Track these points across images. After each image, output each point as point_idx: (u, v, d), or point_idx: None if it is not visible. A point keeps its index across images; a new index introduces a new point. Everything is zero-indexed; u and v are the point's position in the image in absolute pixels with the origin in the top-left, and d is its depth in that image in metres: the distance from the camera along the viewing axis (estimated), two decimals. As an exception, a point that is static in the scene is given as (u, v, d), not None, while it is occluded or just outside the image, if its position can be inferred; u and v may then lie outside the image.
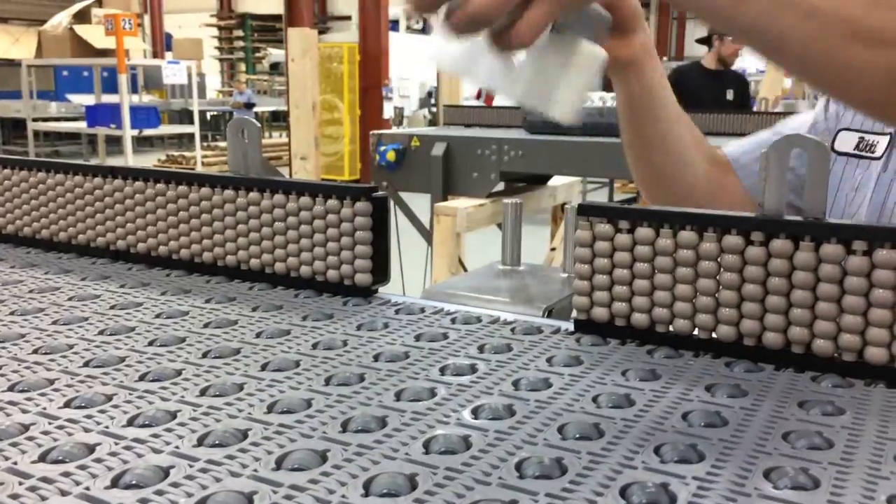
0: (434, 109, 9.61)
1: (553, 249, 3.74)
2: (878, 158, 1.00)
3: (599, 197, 8.58)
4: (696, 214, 0.67)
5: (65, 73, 15.12)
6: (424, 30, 14.86)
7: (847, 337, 0.62)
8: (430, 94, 12.49)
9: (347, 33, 13.62)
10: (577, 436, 0.52)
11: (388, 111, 11.62)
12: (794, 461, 0.49)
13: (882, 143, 1.02)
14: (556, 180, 3.76)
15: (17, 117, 12.67)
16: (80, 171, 1.00)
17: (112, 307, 0.80)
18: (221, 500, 0.43)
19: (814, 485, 0.46)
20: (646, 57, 0.85)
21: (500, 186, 3.44)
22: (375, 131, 3.72)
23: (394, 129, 5.77)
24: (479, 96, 13.89)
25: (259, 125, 0.90)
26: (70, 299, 0.83)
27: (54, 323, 0.75)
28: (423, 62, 11.21)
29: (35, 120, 10.96)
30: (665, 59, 21.55)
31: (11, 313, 0.78)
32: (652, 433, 0.53)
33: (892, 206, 0.98)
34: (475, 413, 0.56)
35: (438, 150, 3.46)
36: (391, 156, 3.57)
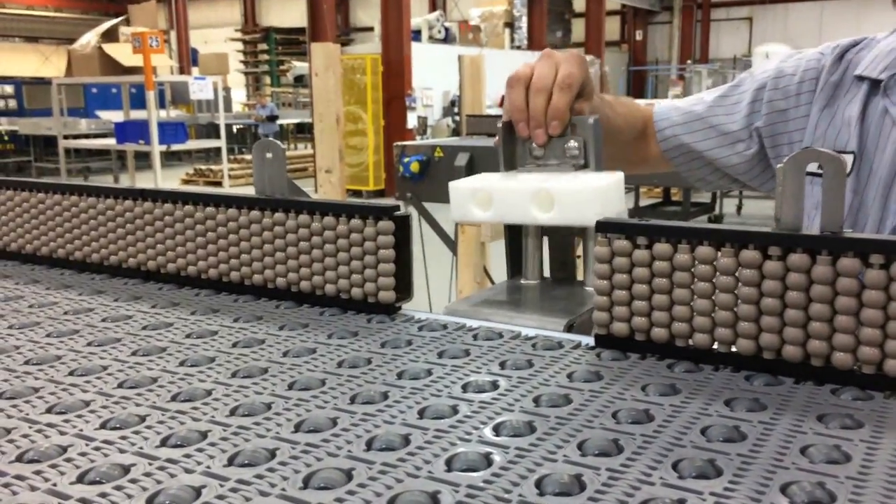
0: (457, 118, 9.63)
1: (578, 257, 3.73)
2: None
3: (625, 202, 8.53)
4: (713, 230, 0.68)
5: (94, 90, 15.39)
6: (446, 39, 14.91)
7: (866, 349, 0.63)
8: (453, 103, 12.52)
9: (370, 44, 13.71)
10: (597, 452, 0.53)
11: (411, 121, 11.68)
12: (812, 476, 0.50)
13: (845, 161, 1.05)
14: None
15: (48, 134, 12.93)
16: (111, 195, 1.03)
17: (144, 328, 0.82)
18: (251, 519, 0.45)
19: (830, 499, 0.47)
20: (597, 107, 1.05)
21: (524, 195, 3.45)
22: (399, 143, 3.75)
23: (417, 141, 5.81)
24: (501, 104, 13.89)
25: (284, 147, 0.92)
26: (104, 320, 0.85)
27: (89, 344, 0.77)
28: (445, 71, 11.25)
29: (66, 137, 11.16)
30: (689, 61, 21.41)
31: (48, 335, 0.80)
32: (671, 449, 0.54)
33: (861, 230, 1.00)
34: (496, 430, 0.57)
35: (462, 160, 3.48)
36: (415, 167, 3.59)
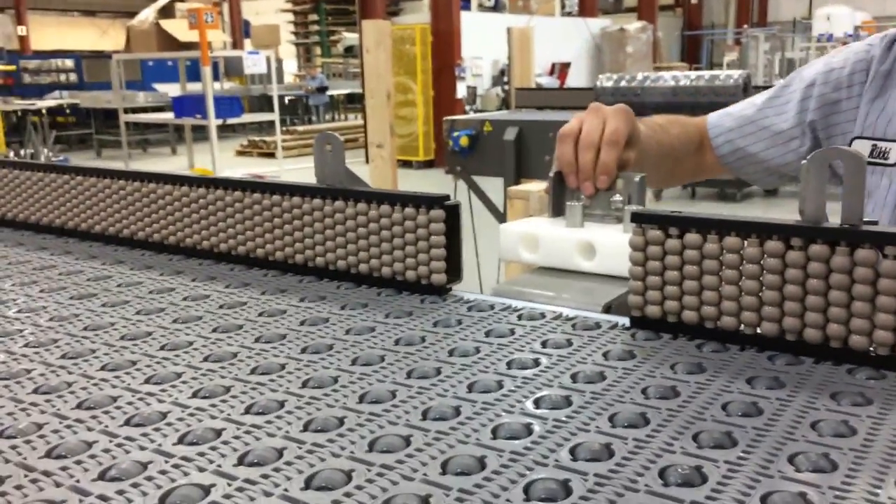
0: (507, 88, 9.62)
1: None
2: (893, 165, 1.05)
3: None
4: (740, 222, 0.73)
5: (150, 63, 15.73)
6: (496, 7, 14.79)
7: (881, 333, 0.68)
8: (502, 73, 12.47)
9: (420, 14, 13.68)
10: (626, 424, 0.60)
11: (461, 91, 11.67)
12: (818, 447, 0.56)
13: (895, 150, 1.06)
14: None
15: (108, 107, 13.30)
16: (186, 182, 1.12)
17: (221, 306, 0.91)
18: (326, 477, 0.53)
19: (832, 468, 0.53)
20: (642, 146, 1.10)
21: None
22: (448, 118, 3.80)
23: (468, 115, 5.85)
24: (552, 72, 13.77)
25: (342, 140, 1.00)
26: (185, 299, 0.94)
27: (174, 322, 0.87)
28: (495, 40, 11.19)
29: (126, 111, 11.48)
30: (747, 25, 20.81)
31: (137, 313, 0.90)
32: (692, 422, 0.60)
33: None
34: (537, 403, 0.64)
35: (510, 134, 3.52)
36: (464, 141, 3.65)
